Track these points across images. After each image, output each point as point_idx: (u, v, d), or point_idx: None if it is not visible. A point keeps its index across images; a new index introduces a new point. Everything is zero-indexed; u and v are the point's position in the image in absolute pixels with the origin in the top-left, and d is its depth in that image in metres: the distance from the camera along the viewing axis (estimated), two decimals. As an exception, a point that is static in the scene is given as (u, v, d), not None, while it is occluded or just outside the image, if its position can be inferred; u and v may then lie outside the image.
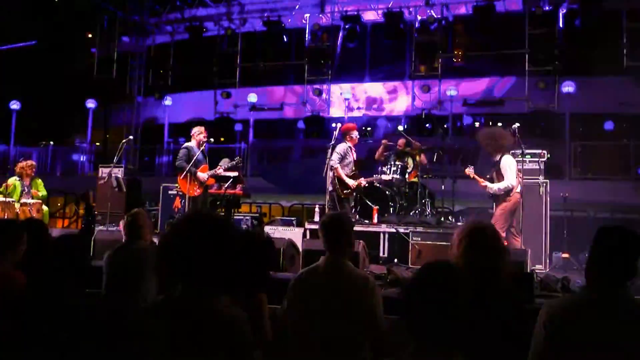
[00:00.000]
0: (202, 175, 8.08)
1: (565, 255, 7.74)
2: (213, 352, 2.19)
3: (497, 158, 7.08)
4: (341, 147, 7.98)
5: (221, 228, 2.29)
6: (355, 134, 8.15)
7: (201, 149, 8.22)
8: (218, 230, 2.28)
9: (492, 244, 2.85)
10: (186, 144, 8.37)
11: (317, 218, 8.40)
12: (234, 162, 8.25)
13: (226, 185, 8.89)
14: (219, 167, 8.19)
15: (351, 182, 7.85)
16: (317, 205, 9.05)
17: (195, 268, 2.23)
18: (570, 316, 2.47)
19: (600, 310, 2.44)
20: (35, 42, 14.94)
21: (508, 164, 6.99)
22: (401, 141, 9.70)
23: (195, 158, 8.01)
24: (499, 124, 9.05)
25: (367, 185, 8.24)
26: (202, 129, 8.43)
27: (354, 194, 8.16)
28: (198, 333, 2.20)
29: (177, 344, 2.20)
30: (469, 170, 7.19)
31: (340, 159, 7.88)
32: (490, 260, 2.81)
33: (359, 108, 15.53)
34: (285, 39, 14.84)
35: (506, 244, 6.91)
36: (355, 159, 8.11)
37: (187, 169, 7.94)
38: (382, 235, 7.88)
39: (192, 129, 8.49)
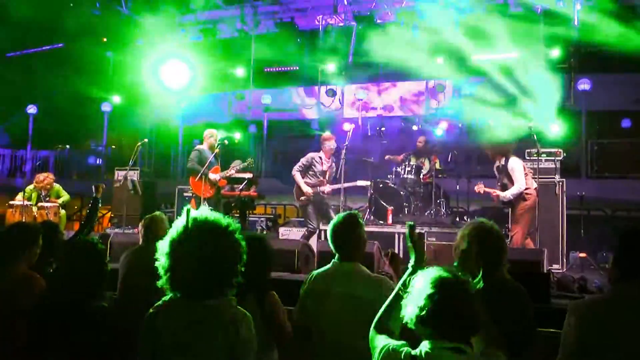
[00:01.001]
0: (214, 176, 8.16)
1: (583, 254, 7.67)
2: (218, 352, 2.22)
3: (503, 162, 7.05)
4: (308, 156, 8.14)
5: (228, 231, 2.32)
6: (329, 145, 8.15)
7: (215, 151, 8.28)
8: (225, 234, 2.31)
9: (497, 244, 2.89)
10: (198, 147, 8.47)
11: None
12: (246, 164, 8.32)
13: (240, 187, 8.95)
14: (230, 168, 8.26)
15: (306, 189, 7.87)
16: (331, 206, 9.05)
17: (202, 271, 2.26)
18: (599, 316, 2.47)
19: (628, 310, 2.43)
20: (64, 45, 15.04)
21: (515, 166, 6.97)
22: (422, 138, 9.68)
23: (206, 160, 8.14)
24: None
25: (325, 193, 8.11)
26: (214, 131, 8.58)
27: (310, 202, 8.09)
28: (203, 333, 2.24)
29: (183, 344, 2.24)
30: (480, 187, 7.18)
31: (303, 166, 8.04)
32: (493, 259, 2.84)
33: (373, 108, 15.50)
34: (298, 40, 14.85)
35: (529, 242, 6.93)
36: (325, 169, 8.11)
37: (202, 171, 8.00)
38: (396, 235, 7.88)
39: (205, 132, 8.58)
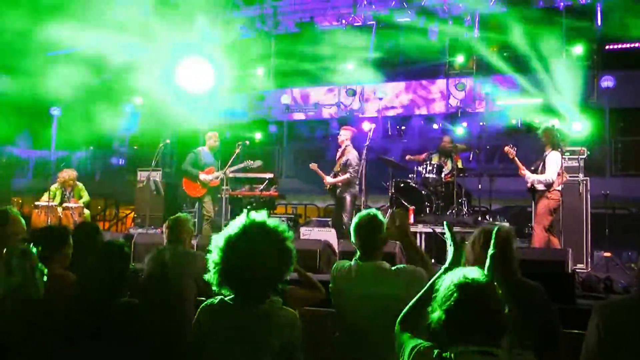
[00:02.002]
0: (205, 177, 8.37)
1: (607, 253, 7.58)
2: (273, 353, 2.28)
3: (547, 152, 7.10)
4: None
5: (283, 236, 2.37)
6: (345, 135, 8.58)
7: (236, 153, 8.39)
8: (280, 239, 2.35)
9: (505, 248, 2.86)
10: (197, 149, 8.73)
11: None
12: (243, 165, 8.46)
13: (261, 187, 9.01)
14: (226, 168, 8.39)
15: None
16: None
17: (252, 271, 2.30)
18: (625, 318, 2.44)
19: None
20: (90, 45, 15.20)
21: (553, 159, 7.01)
22: (447, 138, 9.64)
23: (202, 161, 8.54)
24: (536, 121, 8.89)
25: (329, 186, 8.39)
26: (215, 134, 8.91)
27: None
28: (259, 335, 2.30)
29: (237, 346, 2.27)
30: (510, 149, 7.20)
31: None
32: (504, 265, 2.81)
33: (392, 107, 15.46)
34: (318, 40, 14.85)
35: (553, 240, 6.90)
36: (336, 158, 8.49)
37: (188, 171, 8.53)
38: (418, 235, 7.85)
39: (207, 134, 8.83)
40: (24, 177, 17.93)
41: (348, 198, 8.13)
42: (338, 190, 8.26)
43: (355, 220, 3.38)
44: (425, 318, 2.12)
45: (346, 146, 8.42)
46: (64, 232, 3.59)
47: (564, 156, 7.18)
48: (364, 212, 3.43)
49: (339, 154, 8.46)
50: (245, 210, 2.44)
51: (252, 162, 8.58)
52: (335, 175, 8.30)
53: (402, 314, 2.37)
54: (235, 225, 2.40)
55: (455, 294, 1.99)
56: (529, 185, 7.19)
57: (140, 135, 17.39)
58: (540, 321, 2.75)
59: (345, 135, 8.53)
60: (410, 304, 2.39)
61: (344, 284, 3.29)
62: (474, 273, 2.06)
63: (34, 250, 2.84)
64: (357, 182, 8.25)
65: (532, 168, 7.20)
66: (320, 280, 3.59)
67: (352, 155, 8.25)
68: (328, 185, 8.33)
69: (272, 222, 2.42)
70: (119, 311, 2.73)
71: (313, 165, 8.62)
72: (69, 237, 3.52)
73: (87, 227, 4.32)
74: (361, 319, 3.12)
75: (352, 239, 3.36)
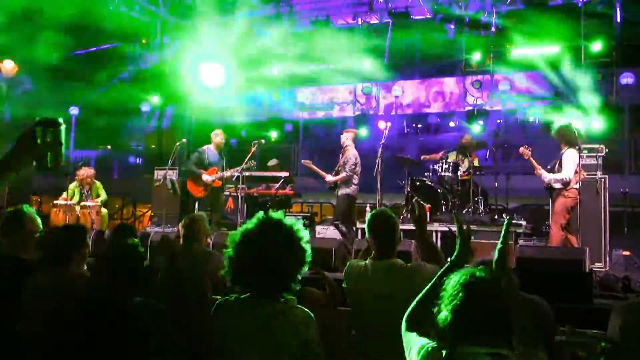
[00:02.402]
0: (207, 177, 8.43)
1: (626, 252, 7.49)
2: (289, 352, 2.28)
3: (563, 150, 7.04)
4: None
5: (298, 236, 2.39)
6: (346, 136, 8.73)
7: (252, 152, 8.40)
8: (295, 238, 2.37)
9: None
10: (202, 147, 8.69)
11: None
12: (245, 165, 8.42)
13: (277, 186, 9.04)
14: (227, 170, 8.44)
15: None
16: (368, 205, 9.05)
17: (267, 267, 2.33)
18: None
19: None
20: (120, 44, 15.36)
21: (570, 157, 6.94)
22: (468, 136, 9.61)
23: (206, 161, 8.59)
24: (555, 119, 8.79)
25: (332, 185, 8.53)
26: (221, 131, 8.90)
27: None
28: (276, 334, 2.31)
29: (253, 344, 2.29)
30: (525, 149, 7.16)
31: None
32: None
33: (409, 105, 15.40)
34: (334, 38, 14.83)
35: (571, 238, 6.84)
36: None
37: (190, 170, 8.71)
38: (434, 234, 7.83)
39: (212, 132, 8.83)
40: (44, 175, 18.12)
41: (342, 196, 8.36)
42: (337, 189, 8.47)
43: (369, 218, 3.38)
44: (430, 316, 2.10)
45: (346, 146, 8.58)
46: (82, 232, 3.63)
47: (581, 154, 7.08)
48: (376, 211, 3.43)
49: (342, 155, 8.59)
50: (262, 210, 2.47)
51: (252, 162, 8.56)
52: (336, 174, 8.43)
53: (408, 311, 2.35)
54: (251, 222, 2.44)
55: (461, 294, 1.96)
56: (545, 183, 7.13)
57: (157, 135, 17.51)
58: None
59: (346, 137, 8.71)
60: (416, 300, 2.36)
61: (359, 283, 3.30)
62: (481, 271, 2.02)
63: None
64: (356, 182, 8.41)
65: (549, 167, 7.14)
66: (336, 279, 3.60)
67: (349, 154, 8.41)
68: (329, 184, 8.51)
69: (288, 220, 2.44)
70: (134, 311, 2.75)
71: (307, 162, 8.77)
72: (86, 236, 3.57)
73: (125, 229, 4.44)
74: (379, 318, 3.11)
75: (368, 237, 3.36)
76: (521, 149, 7.26)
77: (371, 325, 3.19)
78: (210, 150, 8.72)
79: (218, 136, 8.81)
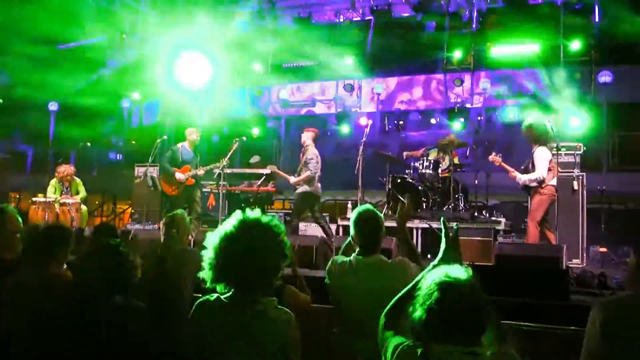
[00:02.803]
0: (180, 175, 8.35)
1: (603, 249, 7.61)
2: (270, 352, 2.30)
3: (534, 149, 7.09)
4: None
5: (276, 232, 2.41)
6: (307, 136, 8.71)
7: (233, 149, 8.36)
8: (273, 235, 2.39)
9: None
10: (176, 145, 8.66)
11: (349, 214, 8.46)
12: (217, 164, 8.39)
13: (258, 183, 9.03)
14: (200, 168, 8.42)
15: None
16: (349, 202, 9.09)
17: (248, 266, 2.34)
18: (626, 316, 2.44)
19: None
20: (105, 38, 15.15)
21: (541, 155, 6.99)
22: (452, 136, 9.66)
23: (180, 159, 8.53)
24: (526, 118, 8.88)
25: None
26: (195, 130, 8.85)
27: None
28: (256, 333, 2.32)
29: (233, 344, 2.29)
30: (495, 157, 7.21)
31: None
32: None
33: (390, 102, 15.44)
34: (316, 35, 14.82)
35: (549, 235, 6.91)
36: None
37: (164, 169, 8.66)
38: (415, 230, 7.87)
39: (187, 130, 8.79)
40: (22, 173, 17.89)
41: (300, 193, 8.40)
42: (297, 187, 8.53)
43: (355, 215, 3.39)
44: (407, 315, 2.11)
45: (307, 146, 8.59)
46: (67, 232, 3.60)
47: (554, 151, 7.12)
48: (362, 207, 3.44)
49: (302, 155, 8.60)
50: (240, 209, 2.48)
51: (224, 160, 8.48)
52: (298, 174, 8.41)
53: (386, 309, 2.37)
54: (230, 223, 2.44)
55: (435, 293, 1.98)
56: (521, 184, 7.17)
57: (138, 131, 17.37)
58: None
59: (306, 136, 8.71)
60: (395, 298, 2.39)
61: (344, 279, 3.31)
62: (457, 272, 2.03)
63: None
64: (317, 180, 8.44)
65: (522, 167, 7.19)
66: (318, 277, 3.61)
67: (311, 153, 8.41)
68: (295, 185, 8.49)
69: (265, 218, 2.47)
70: (114, 311, 2.74)
71: (272, 167, 8.83)
72: (70, 238, 3.53)
73: (106, 229, 4.39)
74: (364, 314, 3.12)
75: (352, 234, 3.37)
76: (490, 157, 7.32)
77: (357, 322, 3.20)
78: (184, 148, 8.68)
79: (193, 134, 8.78)
